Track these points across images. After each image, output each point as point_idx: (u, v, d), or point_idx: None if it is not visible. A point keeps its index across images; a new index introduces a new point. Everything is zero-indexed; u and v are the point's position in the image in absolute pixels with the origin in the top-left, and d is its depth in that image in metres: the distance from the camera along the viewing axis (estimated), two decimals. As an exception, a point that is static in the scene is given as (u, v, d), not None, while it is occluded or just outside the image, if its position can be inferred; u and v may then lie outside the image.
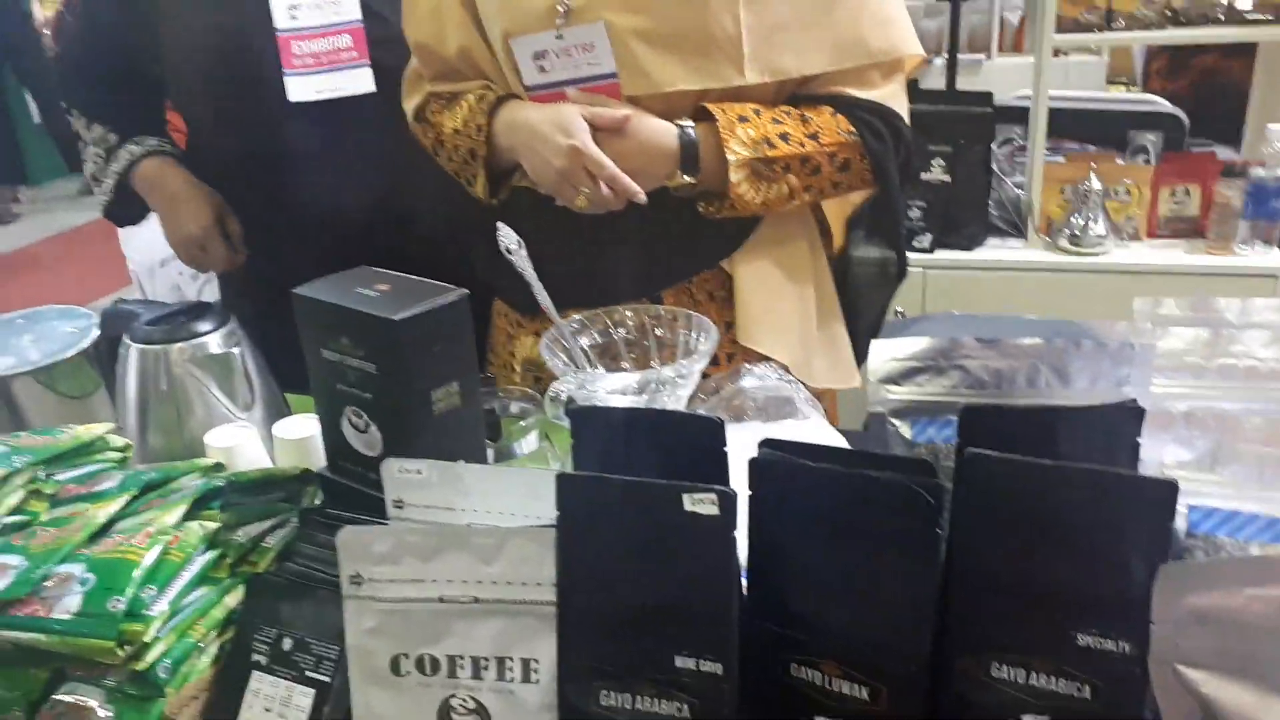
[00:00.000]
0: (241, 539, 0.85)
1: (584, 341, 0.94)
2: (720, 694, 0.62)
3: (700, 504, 0.60)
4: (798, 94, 1.13)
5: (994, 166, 2.32)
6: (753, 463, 0.63)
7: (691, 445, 0.69)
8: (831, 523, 0.62)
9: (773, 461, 0.63)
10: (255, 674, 0.78)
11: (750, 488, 0.64)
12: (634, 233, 1.12)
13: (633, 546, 0.62)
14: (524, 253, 0.92)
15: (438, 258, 1.16)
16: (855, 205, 1.30)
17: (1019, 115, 2.31)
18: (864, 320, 1.32)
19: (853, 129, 1.11)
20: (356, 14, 1.38)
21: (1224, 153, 2.49)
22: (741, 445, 1.12)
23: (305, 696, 0.76)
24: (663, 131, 1.06)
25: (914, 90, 2.37)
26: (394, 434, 0.84)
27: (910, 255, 2.28)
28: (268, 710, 0.76)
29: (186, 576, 0.79)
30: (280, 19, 1.39)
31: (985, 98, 2.24)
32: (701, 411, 1.21)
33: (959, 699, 0.64)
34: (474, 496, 0.76)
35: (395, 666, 0.69)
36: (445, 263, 1.10)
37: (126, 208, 1.55)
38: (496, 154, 1.16)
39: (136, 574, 0.75)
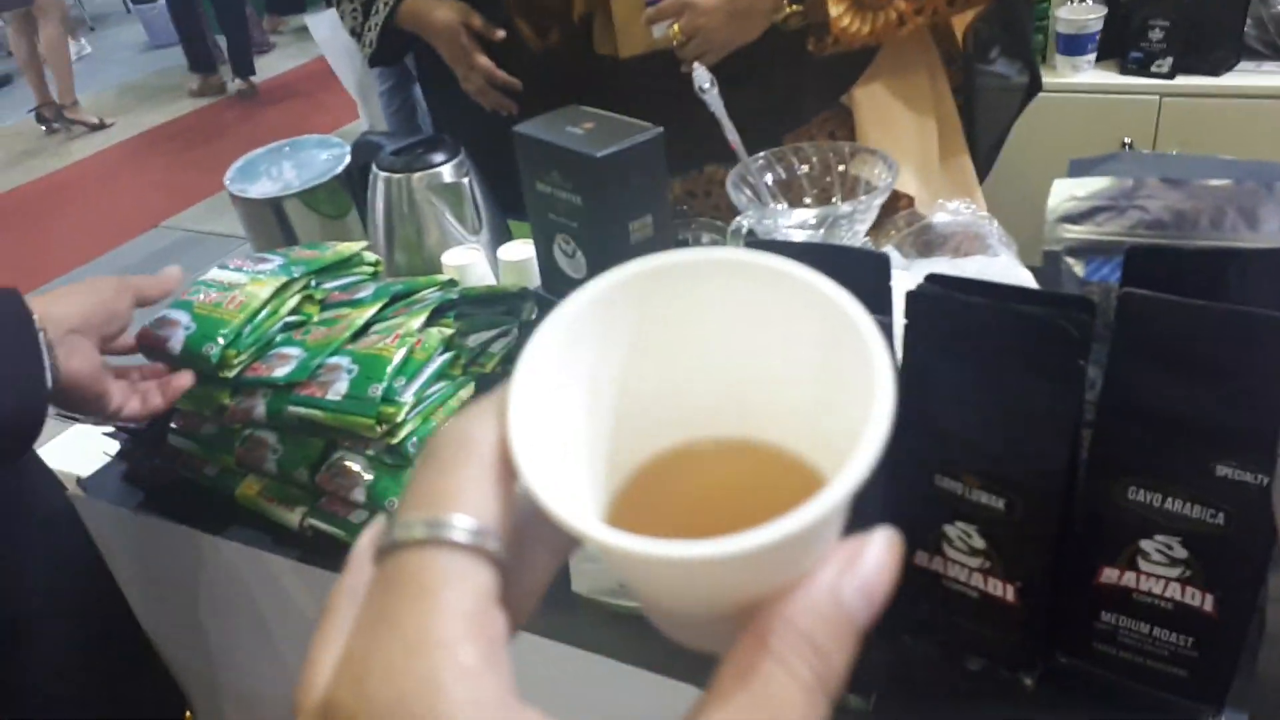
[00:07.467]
0: (472, 344, 1.00)
1: (768, 178, 1.00)
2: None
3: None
4: None
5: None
6: (909, 295, 0.69)
7: (859, 279, 0.75)
8: (981, 351, 0.68)
9: (927, 294, 0.69)
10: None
11: (905, 317, 0.70)
12: (748, 81, 1.11)
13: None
14: (715, 91, 0.98)
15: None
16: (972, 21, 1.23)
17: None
18: (985, 140, 1.27)
19: None
20: None
21: None
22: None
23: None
24: None
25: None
26: (596, 259, 0.95)
27: (1146, 80, 2.15)
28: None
29: (428, 372, 0.95)
30: None
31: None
32: (890, 247, 1.25)
33: (1093, 517, 0.70)
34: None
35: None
36: None
37: (388, 52, 1.65)
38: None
39: (390, 368, 0.91)
